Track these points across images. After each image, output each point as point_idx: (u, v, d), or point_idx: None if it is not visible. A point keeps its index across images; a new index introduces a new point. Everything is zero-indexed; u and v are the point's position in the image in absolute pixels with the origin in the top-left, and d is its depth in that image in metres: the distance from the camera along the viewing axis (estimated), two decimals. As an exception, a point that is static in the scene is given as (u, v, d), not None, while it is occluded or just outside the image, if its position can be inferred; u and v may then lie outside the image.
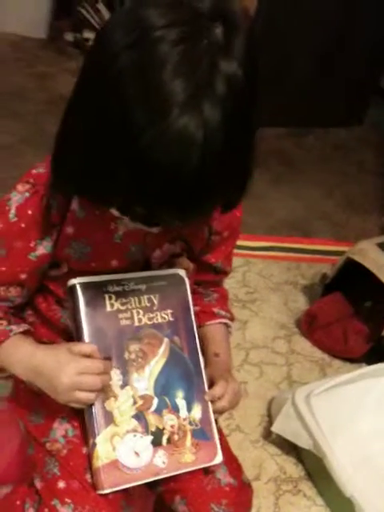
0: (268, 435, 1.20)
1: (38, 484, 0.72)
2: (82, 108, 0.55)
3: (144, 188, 0.52)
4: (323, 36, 2.28)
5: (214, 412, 0.73)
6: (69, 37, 2.80)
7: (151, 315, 0.71)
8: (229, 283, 0.91)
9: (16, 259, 0.68)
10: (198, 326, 0.75)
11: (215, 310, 0.84)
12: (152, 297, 0.71)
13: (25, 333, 0.71)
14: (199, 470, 0.73)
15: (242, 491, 0.76)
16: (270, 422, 1.19)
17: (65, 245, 0.68)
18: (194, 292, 0.77)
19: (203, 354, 0.76)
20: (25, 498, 0.73)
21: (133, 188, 0.52)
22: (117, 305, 0.69)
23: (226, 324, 0.85)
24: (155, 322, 0.71)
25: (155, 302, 0.72)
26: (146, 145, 0.49)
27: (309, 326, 1.49)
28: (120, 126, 0.50)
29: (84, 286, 0.68)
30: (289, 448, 1.18)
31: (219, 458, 0.72)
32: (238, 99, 0.51)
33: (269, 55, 2.16)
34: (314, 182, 2.23)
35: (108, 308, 0.69)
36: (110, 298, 0.69)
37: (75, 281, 0.68)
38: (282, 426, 1.14)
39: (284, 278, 1.69)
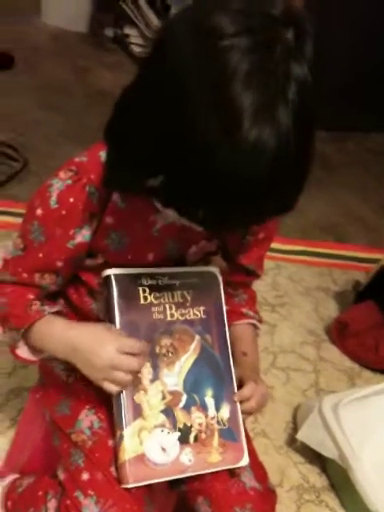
0: (293, 442, 1.18)
1: (61, 475, 0.71)
2: (144, 115, 0.53)
3: (215, 196, 0.51)
4: (365, 39, 2.24)
5: (242, 413, 0.72)
6: (109, 32, 2.82)
7: (184, 311, 0.71)
8: (258, 286, 0.89)
9: (54, 246, 0.68)
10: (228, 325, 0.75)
11: (244, 310, 0.84)
12: (185, 293, 0.71)
13: (58, 313, 0.71)
14: (224, 471, 0.72)
15: (267, 497, 0.75)
16: (295, 429, 1.17)
17: (104, 235, 0.68)
18: (224, 292, 0.77)
19: (231, 354, 0.75)
20: (47, 488, 0.73)
21: (204, 196, 0.52)
22: (150, 298, 0.69)
23: (254, 325, 0.84)
24: (187, 318, 0.71)
25: (188, 298, 0.71)
26: (221, 157, 0.48)
27: (339, 333, 1.46)
28: (192, 138, 0.49)
29: (118, 277, 0.68)
30: (313, 457, 1.16)
31: (245, 460, 0.71)
32: (307, 103, 0.51)
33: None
34: (350, 186, 2.20)
35: (141, 301, 0.68)
36: (144, 291, 0.69)
37: (110, 271, 0.68)
38: (308, 434, 1.12)
39: (315, 284, 1.67)
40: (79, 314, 0.76)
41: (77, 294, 0.75)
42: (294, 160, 0.51)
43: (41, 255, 0.68)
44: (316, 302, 1.60)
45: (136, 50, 2.67)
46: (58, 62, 2.44)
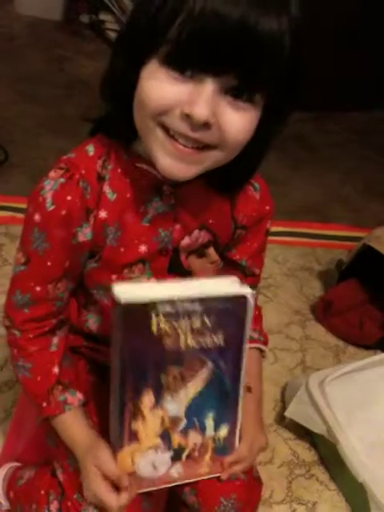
0: (282, 420, 1.21)
1: (60, 476, 0.72)
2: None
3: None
4: (345, 19, 2.24)
5: (231, 475, 0.72)
6: (85, 18, 2.79)
7: (200, 339, 0.62)
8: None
9: (60, 249, 0.65)
10: None
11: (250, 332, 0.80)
12: (205, 319, 0.61)
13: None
14: None
15: (252, 486, 0.76)
16: (284, 407, 1.20)
17: (100, 231, 0.66)
18: None
19: None
20: (49, 488, 0.74)
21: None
22: (164, 327, 0.60)
23: (260, 349, 0.81)
24: (203, 345, 0.62)
25: (208, 324, 0.61)
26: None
27: (324, 312, 1.49)
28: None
29: (130, 307, 0.58)
30: (302, 433, 1.19)
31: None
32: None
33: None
34: (332, 166, 2.22)
35: (154, 330, 0.59)
36: (158, 321, 0.59)
37: (122, 296, 0.57)
38: (296, 411, 1.15)
39: (299, 264, 1.69)
40: (73, 329, 0.76)
41: (72, 309, 0.75)
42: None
43: (49, 263, 0.66)
44: (300, 282, 1.63)
45: (112, 35, 2.65)
46: (34, 52, 2.41)
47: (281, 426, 1.21)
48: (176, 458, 0.67)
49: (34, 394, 0.70)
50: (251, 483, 0.76)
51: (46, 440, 0.79)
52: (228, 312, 0.62)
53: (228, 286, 0.63)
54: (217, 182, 0.69)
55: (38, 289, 0.67)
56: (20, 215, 1.51)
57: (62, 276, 0.68)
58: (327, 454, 1.16)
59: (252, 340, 0.79)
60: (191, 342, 0.62)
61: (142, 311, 0.58)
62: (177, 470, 0.68)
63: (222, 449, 0.69)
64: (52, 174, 0.64)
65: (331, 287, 1.57)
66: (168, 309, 0.59)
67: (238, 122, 0.57)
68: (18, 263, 0.67)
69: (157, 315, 0.59)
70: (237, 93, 0.56)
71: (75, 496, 0.69)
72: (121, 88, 0.60)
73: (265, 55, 0.53)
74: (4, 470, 0.90)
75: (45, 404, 0.69)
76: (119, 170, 0.66)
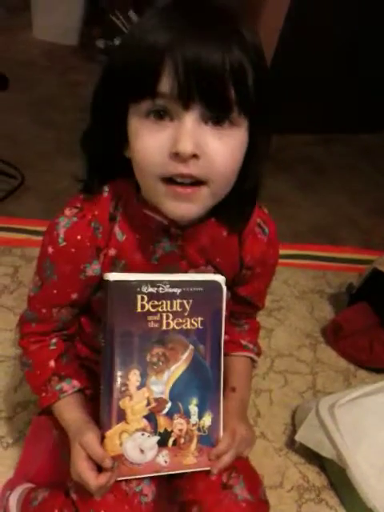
0: (292, 444, 1.21)
1: (74, 496, 0.74)
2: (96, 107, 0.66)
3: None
4: (348, 40, 2.27)
5: (218, 470, 0.73)
6: (100, 44, 2.85)
7: (180, 320, 0.70)
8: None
9: (66, 282, 0.71)
10: (224, 354, 0.75)
11: (244, 342, 0.85)
12: (185, 302, 0.70)
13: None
14: (217, 483, 0.74)
15: (258, 508, 0.76)
16: (294, 431, 1.21)
17: (109, 264, 0.71)
18: (226, 321, 0.76)
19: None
20: (62, 507, 0.76)
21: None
22: (148, 306, 0.68)
23: (251, 358, 0.85)
24: (183, 327, 0.70)
25: (187, 307, 0.70)
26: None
27: (334, 335, 1.50)
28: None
29: (118, 283, 0.67)
30: (312, 457, 1.19)
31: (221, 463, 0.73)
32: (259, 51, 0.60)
33: (296, 60, 2.17)
34: (341, 188, 2.23)
35: (138, 308, 0.68)
36: (143, 299, 0.68)
37: (110, 276, 0.67)
38: (306, 435, 1.16)
39: (310, 287, 1.70)
40: (85, 342, 0.81)
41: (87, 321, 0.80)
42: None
43: (55, 291, 0.72)
44: (311, 304, 1.64)
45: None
46: (50, 77, 2.47)
47: (291, 450, 1.21)
48: (162, 443, 0.70)
49: (35, 386, 0.77)
50: (258, 504, 0.76)
51: (60, 460, 0.81)
52: (204, 297, 0.71)
53: (205, 276, 0.73)
54: (224, 217, 0.72)
55: (43, 311, 0.75)
56: (35, 237, 1.54)
57: (67, 304, 0.74)
58: (337, 478, 1.16)
59: (246, 349, 0.84)
60: (172, 323, 0.70)
61: (128, 288, 0.67)
62: (164, 458, 0.70)
63: (207, 438, 0.72)
64: (67, 211, 0.69)
65: (341, 310, 1.58)
66: (150, 289, 0.68)
67: (222, 148, 0.60)
68: (36, 285, 0.75)
69: (140, 294, 0.67)
70: (217, 119, 0.59)
71: None
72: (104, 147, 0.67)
73: (221, 84, 0.57)
74: (18, 491, 0.91)
75: (43, 394, 0.75)
76: (129, 214, 0.70)
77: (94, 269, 0.71)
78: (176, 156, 0.59)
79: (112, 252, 0.70)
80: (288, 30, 2.13)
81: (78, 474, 0.68)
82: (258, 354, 0.87)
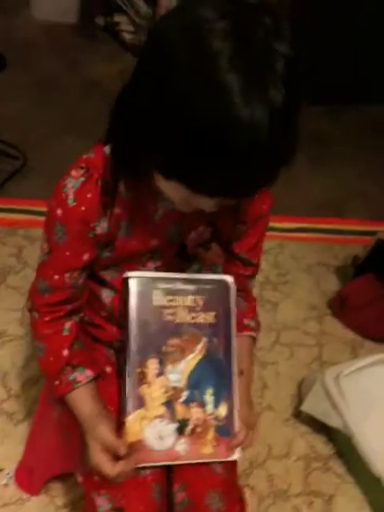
0: (298, 414, 1.22)
1: (79, 478, 0.78)
2: (142, 108, 0.57)
3: (217, 170, 0.54)
4: (360, 11, 2.22)
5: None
6: (100, 20, 2.81)
7: (194, 315, 0.75)
8: (261, 265, 0.90)
9: (79, 241, 0.72)
10: None
11: (246, 321, 0.86)
12: (198, 298, 0.76)
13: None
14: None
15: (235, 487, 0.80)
16: (301, 402, 1.21)
17: (115, 225, 0.72)
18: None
19: None
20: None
21: (208, 170, 0.55)
22: (163, 301, 0.74)
23: (253, 337, 0.87)
24: (197, 321, 0.75)
25: (200, 303, 0.76)
26: (217, 135, 0.51)
27: (340, 307, 1.49)
28: (190, 119, 0.52)
29: (137, 279, 0.74)
30: (319, 427, 1.20)
31: (237, 454, 0.76)
32: (296, 77, 0.54)
33: (304, 30, 2.13)
34: (348, 160, 2.20)
35: (155, 302, 0.74)
36: (158, 294, 0.74)
37: (130, 274, 0.74)
38: (312, 406, 1.16)
39: (316, 260, 1.69)
40: (92, 306, 0.82)
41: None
42: (286, 133, 0.54)
43: (68, 253, 0.72)
44: (317, 277, 1.63)
45: (127, 37, 2.67)
46: (50, 56, 2.44)
47: (298, 421, 1.22)
48: (181, 431, 0.73)
49: (48, 372, 0.78)
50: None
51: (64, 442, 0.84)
52: (215, 294, 0.77)
53: (215, 276, 0.79)
54: None
55: (56, 277, 0.74)
56: (39, 218, 1.54)
57: (79, 267, 0.74)
58: (344, 447, 1.17)
59: (248, 328, 0.86)
60: (187, 317, 0.75)
61: (145, 284, 0.74)
62: (182, 446, 0.73)
63: (223, 428, 0.75)
64: (73, 173, 0.69)
65: (347, 282, 1.57)
66: (166, 285, 0.75)
67: None
68: (43, 253, 0.75)
69: (157, 289, 0.74)
70: None
71: (92, 495, 0.74)
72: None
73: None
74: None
75: (57, 382, 0.76)
76: None
77: (102, 226, 0.71)
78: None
79: (118, 210, 0.71)
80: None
81: (96, 466, 0.72)
82: (258, 328, 0.88)
